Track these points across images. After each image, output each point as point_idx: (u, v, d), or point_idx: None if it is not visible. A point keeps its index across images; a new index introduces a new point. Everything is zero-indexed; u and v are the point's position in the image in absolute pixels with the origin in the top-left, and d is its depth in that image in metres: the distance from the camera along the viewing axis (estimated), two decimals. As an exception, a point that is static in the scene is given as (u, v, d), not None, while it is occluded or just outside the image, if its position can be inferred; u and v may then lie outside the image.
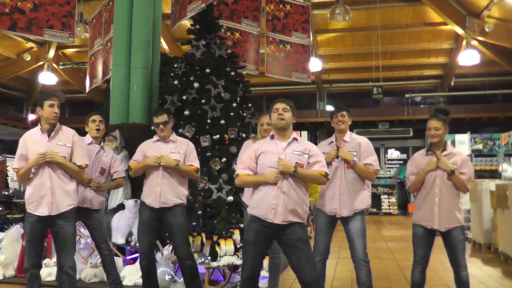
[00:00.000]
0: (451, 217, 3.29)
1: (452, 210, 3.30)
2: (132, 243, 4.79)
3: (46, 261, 4.66)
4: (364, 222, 3.44)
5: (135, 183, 4.98)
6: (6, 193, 8.04)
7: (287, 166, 2.75)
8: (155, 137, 3.80)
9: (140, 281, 4.31)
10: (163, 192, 3.62)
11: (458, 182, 3.28)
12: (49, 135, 3.27)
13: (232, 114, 5.26)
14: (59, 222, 3.21)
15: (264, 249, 2.87)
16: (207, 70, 5.34)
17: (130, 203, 4.84)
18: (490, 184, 6.85)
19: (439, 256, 3.62)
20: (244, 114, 5.45)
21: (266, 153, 2.88)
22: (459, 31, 10.99)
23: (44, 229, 3.28)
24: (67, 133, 3.36)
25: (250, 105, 5.63)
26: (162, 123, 3.69)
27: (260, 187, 2.83)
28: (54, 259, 4.55)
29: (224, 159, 5.05)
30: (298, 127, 14.24)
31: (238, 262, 4.25)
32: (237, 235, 4.54)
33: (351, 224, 3.41)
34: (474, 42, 10.97)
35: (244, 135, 5.36)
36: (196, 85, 5.28)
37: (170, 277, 4.34)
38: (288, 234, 2.77)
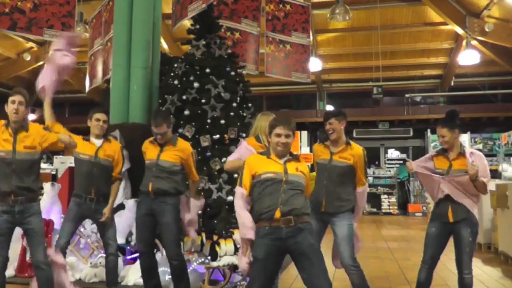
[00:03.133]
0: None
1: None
2: (132, 243, 4.80)
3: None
4: (351, 227, 3.40)
5: (135, 183, 4.98)
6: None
7: None
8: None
9: (140, 281, 4.32)
10: (156, 181, 3.68)
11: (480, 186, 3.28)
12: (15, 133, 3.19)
13: (232, 114, 5.26)
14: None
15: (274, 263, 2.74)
16: (207, 70, 5.34)
17: (130, 203, 4.84)
18: (490, 184, 6.84)
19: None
20: (244, 114, 5.45)
21: (266, 166, 2.76)
22: (459, 31, 10.99)
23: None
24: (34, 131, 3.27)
25: (250, 105, 5.63)
26: (161, 134, 3.72)
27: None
28: None
29: (224, 159, 5.04)
30: (298, 127, 14.27)
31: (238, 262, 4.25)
32: (237, 235, 4.54)
33: (338, 230, 3.40)
34: (474, 42, 10.98)
35: (244, 135, 5.36)
36: (196, 85, 5.28)
37: (170, 277, 4.34)
38: (297, 243, 2.64)
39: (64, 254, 3.76)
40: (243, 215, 2.73)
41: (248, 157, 2.92)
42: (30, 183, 3.19)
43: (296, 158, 2.83)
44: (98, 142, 3.79)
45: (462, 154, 3.35)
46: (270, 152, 2.83)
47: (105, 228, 3.78)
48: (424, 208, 13.30)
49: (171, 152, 3.78)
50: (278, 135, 2.75)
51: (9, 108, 3.18)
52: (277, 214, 2.61)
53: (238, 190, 2.80)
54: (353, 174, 3.45)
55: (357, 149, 3.47)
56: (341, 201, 3.42)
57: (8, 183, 3.12)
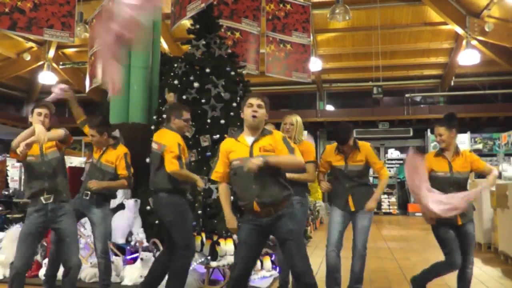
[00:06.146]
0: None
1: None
2: (132, 243, 4.79)
3: (46, 261, 4.66)
4: (370, 219, 3.73)
5: (135, 182, 4.98)
6: (6, 193, 8.04)
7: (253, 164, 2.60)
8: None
9: (140, 280, 4.32)
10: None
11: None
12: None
13: (232, 114, 5.26)
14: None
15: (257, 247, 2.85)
16: (207, 70, 5.34)
17: (130, 203, 4.84)
18: (490, 184, 6.84)
19: (439, 255, 3.63)
20: (244, 114, 5.45)
21: (234, 152, 2.81)
22: (459, 30, 10.99)
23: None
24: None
25: (250, 105, 5.62)
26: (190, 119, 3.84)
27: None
28: None
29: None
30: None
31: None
32: (237, 234, 4.54)
33: (359, 220, 3.69)
34: (474, 42, 10.98)
35: (244, 135, 5.36)
36: (196, 85, 5.27)
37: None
38: (277, 228, 2.74)
39: (58, 245, 3.78)
40: (224, 207, 2.89)
41: (222, 143, 2.96)
42: (60, 183, 3.28)
43: (268, 133, 2.81)
44: (104, 147, 3.93)
45: (457, 153, 3.50)
46: (239, 133, 2.87)
47: (94, 229, 3.78)
48: (424, 208, 13.29)
49: None
50: (250, 105, 2.80)
51: (35, 119, 3.28)
52: (255, 207, 2.70)
53: (219, 184, 2.93)
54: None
55: (363, 146, 3.80)
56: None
57: (40, 184, 3.22)
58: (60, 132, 3.21)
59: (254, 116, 2.77)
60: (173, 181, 3.51)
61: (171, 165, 3.42)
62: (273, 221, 2.72)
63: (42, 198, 3.20)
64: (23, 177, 3.59)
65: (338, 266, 3.68)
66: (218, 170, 2.87)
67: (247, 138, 2.82)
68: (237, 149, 2.80)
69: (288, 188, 2.80)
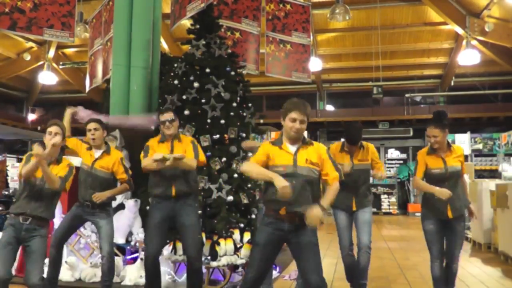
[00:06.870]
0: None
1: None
2: (132, 243, 4.79)
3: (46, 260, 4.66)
4: (371, 214, 3.93)
5: (135, 182, 4.97)
6: (6, 192, 8.04)
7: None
8: (160, 137, 3.73)
9: (140, 280, 4.32)
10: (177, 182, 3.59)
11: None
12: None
13: (232, 114, 5.26)
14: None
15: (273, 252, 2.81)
16: (207, 70, 5.33)
17: (130, 203, 4.84)
18: (490, 184, 6.85)
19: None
20: (244, 114, 5.45)
21: (276, 158, 2.73)
22: (459, 30, 10.99)
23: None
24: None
25: (250, 104, 5.62)
26: (169, 121, 3.65)
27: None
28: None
29: (224, 159, 5.04)
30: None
31: (238, 261, 4.25)
32: (237, 234, 4.55)
33: (361, 215, 3.85)
34: (474, 42, 10.98)
35: (244, 135, 5.36)
36: (196, 85, 5.27)
37: (170, 276, 4.34)
38: (298, 237, 2.71)
39: (59, 249, 3.80)
40: (263, 173, 2.68)
41: (264, 143, 2.88)
42: (44, 210, 3.20)
43: (309, 143, 2.77)
44: (97, 153, 3.85)
45: (449, 149, 3.54)
46: (282, 141, 2.79)
47: (100, 231, 3.76)
48: (424, 208, 13.31)
49: (181, 148, 3.69)
50: (293, 120, 2.71)
51: (47, 138, 3.26)
52: (283, 211, 2.68)
53: (249, 160, 2.79)
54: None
55: (368, 145, 3.96)
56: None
57: (24, 205, 3.16)
58: (54, 178, 3.13)
59: (295, 132, 2.72)
60: (149, 184, 3.73)
61: (142, 164, 3.64)
62: (296, 228, 2.69)
63: (20, 217, 3.13)
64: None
65: (354, 262, 3.93)
66: (258, 159, 2.74)
67: (289, 146, 2.76)
68: (280, 156, 2.73)
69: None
